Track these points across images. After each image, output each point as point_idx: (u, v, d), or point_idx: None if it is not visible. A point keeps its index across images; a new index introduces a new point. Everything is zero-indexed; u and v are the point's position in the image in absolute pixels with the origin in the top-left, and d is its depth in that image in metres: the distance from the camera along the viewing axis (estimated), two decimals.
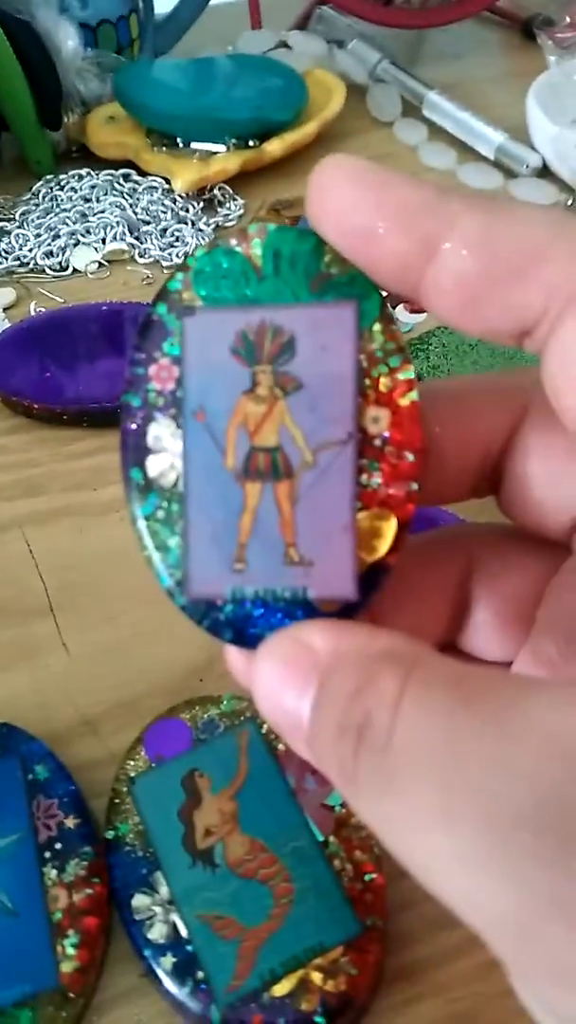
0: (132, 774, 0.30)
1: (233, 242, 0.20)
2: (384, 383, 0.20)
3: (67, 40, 0.58)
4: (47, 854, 0.28)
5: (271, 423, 0.20)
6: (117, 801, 0.30)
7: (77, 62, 0.60)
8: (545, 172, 0.60)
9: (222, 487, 0.20)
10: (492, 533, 0.23)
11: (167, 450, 0.20)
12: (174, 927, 0.27)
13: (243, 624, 0.20)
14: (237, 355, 0.20)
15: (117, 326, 0.47)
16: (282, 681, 0.18)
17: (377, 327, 0.20)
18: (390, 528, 0.20)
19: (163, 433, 0.20)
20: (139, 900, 0.27)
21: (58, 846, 0.28)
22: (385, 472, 0.20)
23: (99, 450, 0.43)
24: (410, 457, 0.20)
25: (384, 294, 0.19)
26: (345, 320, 0.20)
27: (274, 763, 0.30)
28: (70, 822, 0.29)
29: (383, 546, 0.20)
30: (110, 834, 0.29)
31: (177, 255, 0.53)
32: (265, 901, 0.27)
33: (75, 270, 0.52)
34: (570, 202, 0.57)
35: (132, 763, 0.31)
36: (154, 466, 0.20)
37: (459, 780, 0.14)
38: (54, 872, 0.28)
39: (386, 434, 0.20)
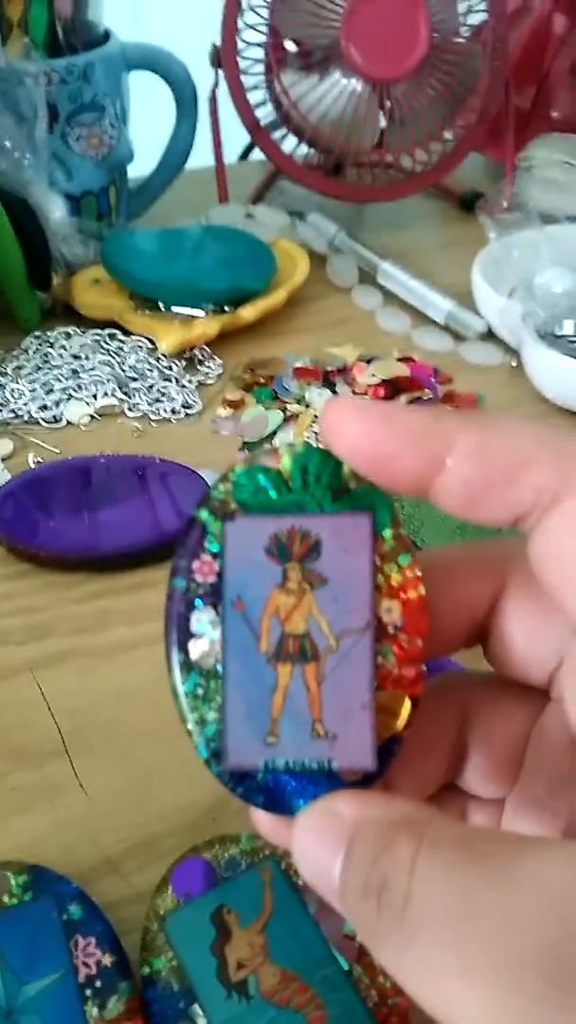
0: (162, 912, 0.32)
1: (266, 459, 0.24)
2: (395, 579, 0.23)
3: (55, 211, 0.63)
4: (88, 992, 0.30)
5: (300, 612, 0.23)
6: (149, 938, 0.32)
7: (64, 229, 0.64)
8: (489, 335, 0.66)
9: (256, 668, 0.23)
10: (483, 682, 0.26)
11: (207, 635, 0.23)
12: None
13: (274, 792, 0.22)
14: (270, 554, 0.23)
15: (114, 477, 0.51)
16: (317, 846, 0.20)
17: (388, 532, 0.23)
18: (404, 706, 0.23)
19: (204, 619, 0.23)
20: None
21: (98, 984, 0.30)
22: (397, 655, 0.23)
23: (103, 594, 0.46)
24: (419, 643, 0.23)
25: (393, 504, 0.23)
26: (362, 527, 0.23)
27: (296, 897, 0.32)
28: (107, 959, 0.31)
29: (398, 722, 0.23)
30: (145, 970, 0.31)
31: (164, 409, 0.57)
32: None
33: (69, 423, 0.56)
34: (514, 363, 0.63)
35: (161, 901, 0.32)
36: (195, 648, 0.23)
37: (472, 932, 0.16)
38: (95, 1010, 0.29)
39: (398, 622, 0.23)
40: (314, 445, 0.24)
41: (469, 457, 0.21)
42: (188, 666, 0.23)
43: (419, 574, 0.23)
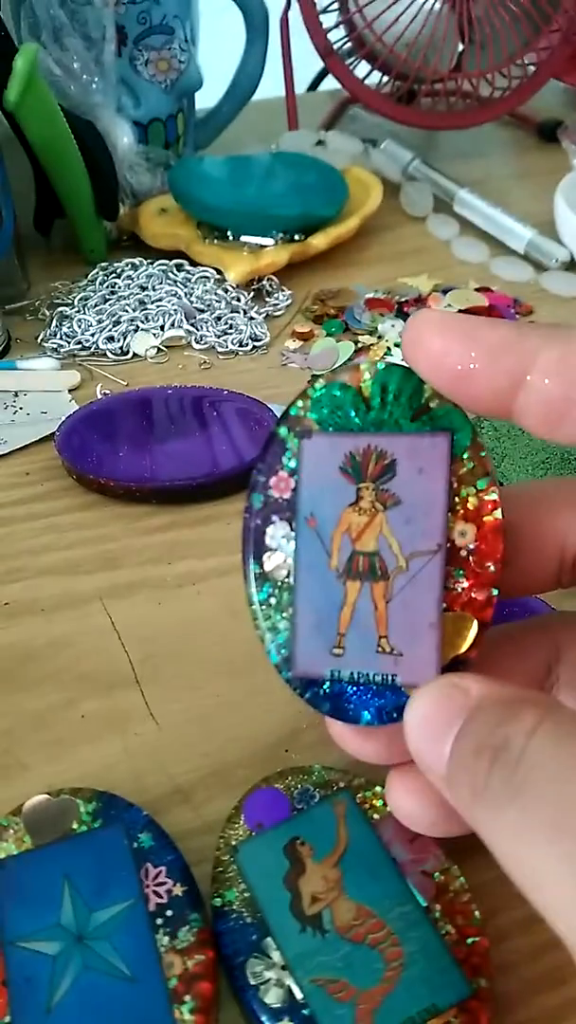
0: (234, 842, 0.31)
1: (346, 377, 0.24)
2: (472, 502, 0.23)
3: (123, 137, 0.62)
4: (159, 920, 0.29)
5: (371, 532, 0.23)
6: (221, 869, 0.31)
7: (131, 157, 0.63)
8: (572, 265, 0.63)
9: (326, 583, 0.24)
10: None
11: (281, 548, 0.24)
12: (289, 992, 0.28)
13: (339, 700, 0.24)
14: (345, 473, 0.23)
15: (182, 409, 0.49)
16: (436, 713, 0.21)
17: (467, 454, 0.23)
18: (471, 628, 0.23)
19: (279, 534, 0.24)
20: (253, 965, 0.28)
21: (169, 913, 0.29)
22: (469, 579, 0.23)
23: (171, 526, 0.45)
24: (491, 567, 0.23)
25: (475, 426, 0.23)
26: (440, 448, 0.23)
27: (372, 832, 0.31)
28: (178, 889, 0.30)
29: (464, 644, 0.23)
30: (217, 901, 0.30)
31: (232, 342, 0.55)
32: (376, 965, 0.28)
33: (135, 354, 0.55)
34: None
35: (233, 831, 0.32)
36: (270, 561, 0.24)
37: (572, 799, 0.17)
38: (167, 939, 0.29)
39: (471, 546, 0.23)
40: (397, 364, 0.23)
41: (551, 372, 0.20)
42: (263, 577, 0.24)
43: (497, 498, 0.22)
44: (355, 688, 0.23)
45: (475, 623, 0.23)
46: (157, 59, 0.65)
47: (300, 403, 0.24)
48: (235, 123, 0.76)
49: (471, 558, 0.23)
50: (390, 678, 0.23)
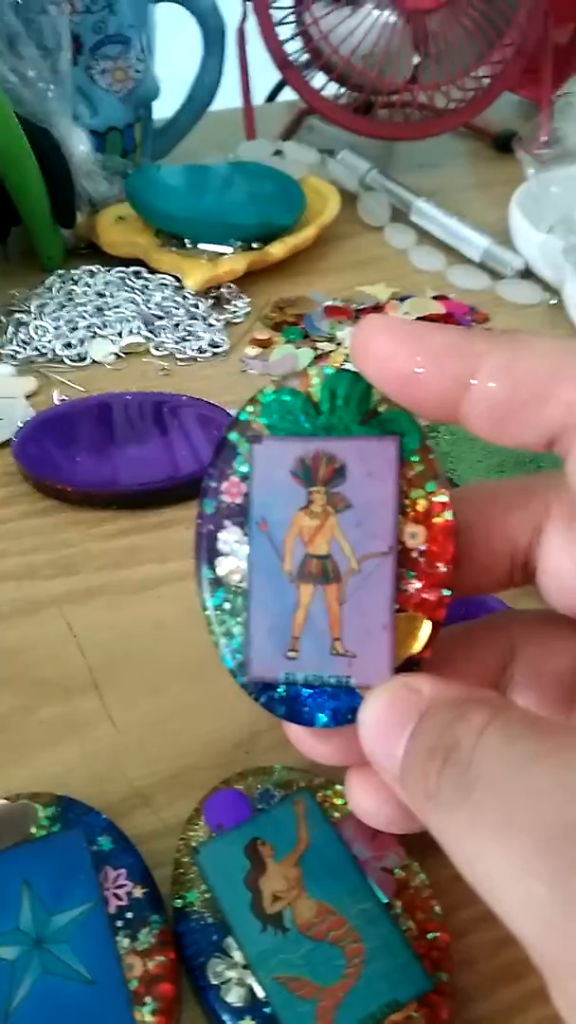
0: (194, 844, 0.31)
1: (296, 382, 0.24)
2: (422, 504, 0.23)
3: (79, 145, 0.62)
4: (119, 923, 0.29)
5: (323, 535, 0.24)
6: (181, 870, 0.31)
7: (88, 165, 0.63)
8: (527, 274, 0.64)
9: (280, 587, 0.24)
10: (533, 618, 0.26)
11: (234, 553, 0.24)
12: (251, 990, 0.28)
13: (295, 703, 0.24)
14: (296, 477, 0.24)
15: (141, 414, 0.49)
16: (389, 715, 0.21)
17: (416, 457, 0.23)
18: (423, 628, 0.23)
19: (231, 539, 0.24)
20: (215, 965, 0.28)
21: (129, 915, 0.29)
22: (420, 580, 0.23)
23: (130, 531, 0.44)
24: (442, 568, 0.23)
25: (423, 429, 0.23)
26: (389, 451, 0.23)
27: (332, 830, 0.31)
28: (138, 891, 0.30)
29: (417, 644, 0.23)
30: (178, 902, 0.30)
31: (191, 348, 0.55)
32: (337, 961, 0.28)
33: (93, 361, 0.54)
34: (554, 301, 0.61)
35: (193, 832, 0.32)
36: (223, 566, 0.24)
37: (521, 796, 0.17)
38: (127, 941, 0.29)
39: (422, 547, 0.23)
40: (345, 369, 0.24)
41: (496, 375, 0.20)
42: (216, 582, 0.24)
43: (446, 500, 0.23)
44: (310, 691, 0.24)
45: (427, 623, 0.23)
46: (113, 68, 0.65)
47: (250, 408, 0.24)
48: (193, 133, 0.76)
49: (422, 559, 0.23)
50: (344, 680, 0.23)
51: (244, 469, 0.24)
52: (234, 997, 0.28)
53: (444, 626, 0.23)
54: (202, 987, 0.28)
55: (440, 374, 0.21)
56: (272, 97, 0.93)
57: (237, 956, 0.28)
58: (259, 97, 0.89)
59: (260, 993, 0.27)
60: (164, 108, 0.75)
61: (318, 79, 0.75)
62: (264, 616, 0.24)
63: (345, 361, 0.54)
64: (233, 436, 0.24)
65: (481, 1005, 0.29)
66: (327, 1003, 0.27)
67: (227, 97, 0.78)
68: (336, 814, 0.32)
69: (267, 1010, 0.27)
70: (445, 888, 0.30)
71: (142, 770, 0.35)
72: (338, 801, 0.32)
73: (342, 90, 0.76)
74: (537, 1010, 0.28)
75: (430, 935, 0.29)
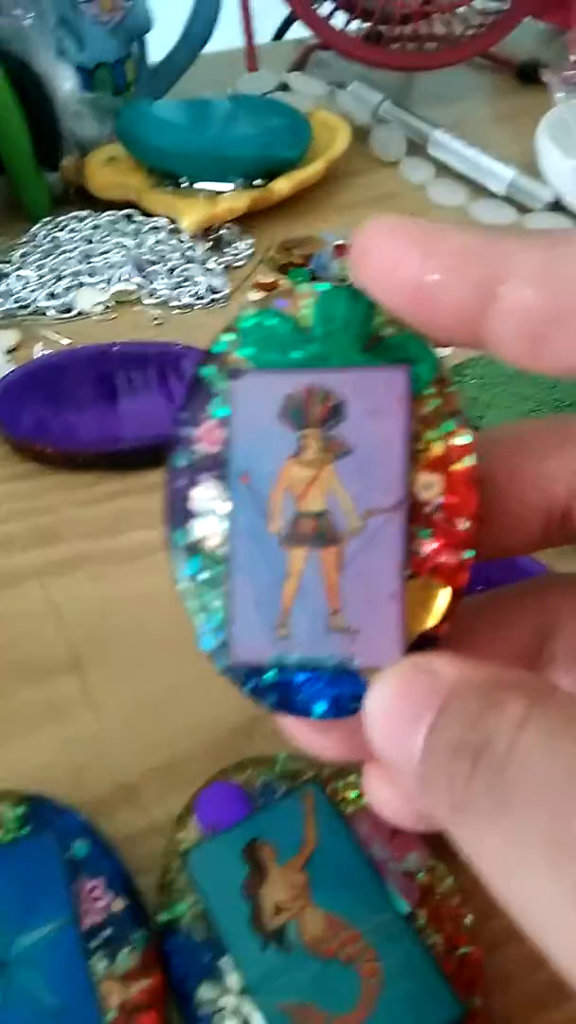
0: (184, 847, 0.27)
1: (282, 303, 0.20)
2: (437, 448, 0.19)
3: (64, 82, 0.57)
4: (94, 943, 0.25)
5: (318, 488, 0.20)
6: (169, 878, 0.27)
7: (74, 104, 0.58)
8: (556, 206, 0.59)
9: (267, 552, 0.20)
10: (573, 585, 0.22)
11: (212, 513, 0.20)
12: (248, 1021, 0.23)
13: (287, 690, 0.20)
14: (285, 418, 0.20)
15: (130, 366, 0.45)
16: (400, 703, 0.17)
17: (431, 390, 0.19)
18: (441, 597, 0.19)
19: (208, 496, 0.20)
20: (205, 991, 0.24)
21: (106, 933, 0.25)
22: (437, 540, 0.19)
23: (119, 494, 0.40)
24: (464, 524, 0.19)
25: (438, 356, 0.19)
26: (397, 383, 0.19)
27: (344, 828, 0.27)
28: (118, 905, 0.26)
29: (433, 617, 0.19)
30: (164, 917, 0.26)
31: (187, 295, 0.51)
32: (351, 984, 0.24)
33: (80, 312, 0.50)
34: None
35: (183, 834, 0.27)
36: (198, 529, 0.20)
37: (573, 812, 0.14)
38: (104, 963, 0.24)
39: (439, 500, 0.19)
40: (341, 286, 0.20)
41: (532, 279, 0.16)
42: (191, 548, 0.20)
43: (468, 442, 0.19)
44: (305, 675, 0.20)
45: (445, 591, 0.19)
46: None
47: (228, 337, 0.20)
48: (192, 73, 0.71)
49: (438, 515, 0.19)
50: (346, 661, 0.20)
51: (222, 411, 0.20)
52: None
53: (466, 594, 0.20)
54: (193, 1016, 0.24)
55: (460, 281, 0.17)
56: (279, 36, 0.88)
57: (233, 980, 0.24)
58: (264, 37, 0.84)
59: None
60: (161, 49, 0.70)
61: (324, 7, 0.70)
62: (249, 587, 0.20)
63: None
64: (207, 372, 0.20)
65: None
66: None
67: (228, 37, 0.73)
68: (349, 808, 0.28)
69: None
70: (477, 892, 0.25)
71: (127, 760, 0.31)
72: (351, 793, 0.28)
73: (350, 23, 0.70)
74: None
75: (460, 951, 0.25)
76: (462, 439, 0.19)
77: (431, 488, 0.20)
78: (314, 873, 0.26)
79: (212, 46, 0.71)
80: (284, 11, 0.79)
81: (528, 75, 0.79)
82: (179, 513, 0.20)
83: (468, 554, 0.19)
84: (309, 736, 0.21)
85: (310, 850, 0.26)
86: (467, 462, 0.19)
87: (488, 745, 0.15)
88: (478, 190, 0.61)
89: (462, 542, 0.19)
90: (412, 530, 0.19)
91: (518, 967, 0.25)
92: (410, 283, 0.17)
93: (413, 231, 0.17)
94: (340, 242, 0.55)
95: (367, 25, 0.71)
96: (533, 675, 0.17)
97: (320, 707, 0.20)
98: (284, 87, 0.68)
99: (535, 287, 0.16)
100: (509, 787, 0.14)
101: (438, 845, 0.26)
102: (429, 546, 0.19)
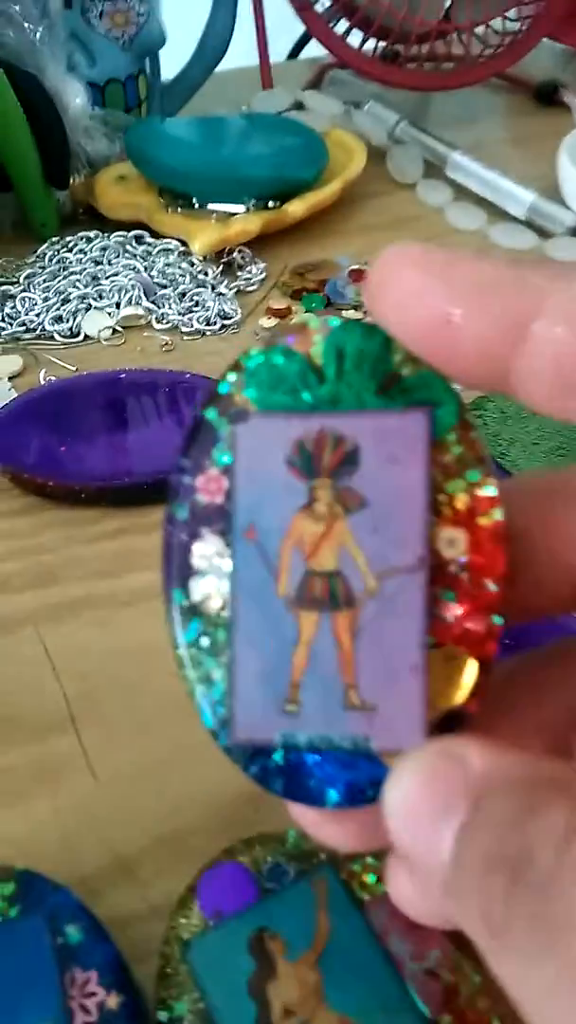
0: (185, 935, 0.25)
1: (291, 339, 0.19)
2: (461, 500, 0.18)
3: (75, 98, 0.56)
4: None
5: (330, 544, 0.19)
6: (169, 971, 0.24)
7: (84, 120, 0.57)
8: None
9: (273, 616, 0.19)
10: None
11: (214, 571, 0.19)
12: None
13: (296, 774, 0.18)
14: (293, 467, 0.19)
15: (138, 395, 0.43)
16: (425, 797, 0.15)
17: (453, 436, 0.18)
18: (468, 670, 0.18)
19: (210, 552, 0.19)
20: None
21: None
22: (462, 603, 0.18)
23: (122, 532, 0.38)
24: (492, 586, 0.18)
25: (461, 398, 0.18)
26: (416, 428, 0.18)
27: (360, 919, 0.25)
28: (112, 1001, 0.24)
29: (460, 692, 0.18)
30: (163, 1015, 0.24)
31: (198, 320, 0.49)
32: None
33: (87, 336, 0.48)
34: None
35: (184, 920, 0.25)
36: (199, 588, 0.19)
37: None
38: None
39: (463, 559, 0.18)
40: (356, 321, 0.19)
41: (564, 319, 0.15)
42: (190, 610, 0.19)
43: (495, 494, 0.18)
44: (317, 757, 0.18)
45: (473, 663, 0.18)
46: (112, 11, 0.59)
47: (232, 377, 0.19)
48: (206, 91, 0.70)
49: (464, 575, 0.18)
50: (362, 741, 0.18)
51: (226, 459, 0.19)
52: None
53: (496, 663, 0.18)
54: None
55: (486, 318, 0.16)
56: (295, 54, 0.87)
57: None
58: (279, 56, 0.83)
59: None
60: (175, 66, 0.69)
61: (340, 25, 0.68)
62: (253, 656, 0.18)
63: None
64: (211, 414, 0.19)
65: None
66: None
67: (243, 54, 0.72)
68: (366, 895, 0.25)
69: None
70: (506, 996, 0.23)
71: (125, 831, 0.29)
72: (369, 878, 0.26)
73: (367, 39, 0.69)
74: None
75: None
76: (488, 490, 0.18)
77: (455, 545, 0.18)
78: (327, 970, 0.24)
79: (226, 63, 0.70)
80: (300, 29, 0.78)
81: (546, 96, 0.79)
82: (178, 570, 0.19)
83: (497, 620, 0.18)
84: (321, 826, 0.19)
85: (322, 944, 0.24)
86: (494, 516, 0.18)
87: (527, 863, 0.13)
88: (497, 213, 0.60)
89: (490, 606, 0.18)
90: (435, 592, 0.18)
91: None
92: (431, 319, 0.16)
93: (435, 261, 0.16)
94: (356, 267, 0.53)
95: (383, 44, 0.69)
96: (571, 768, 0.15)
97: (334, 795, 0.18)
98: (299, 106, 0.67)
99: (569, 326, 0.15)
100: (556, 917, 0.13)
101: (464, 939, 0.24)
102: (454, 611, 0.18)
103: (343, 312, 0.50)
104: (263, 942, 0.24)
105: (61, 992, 0.24)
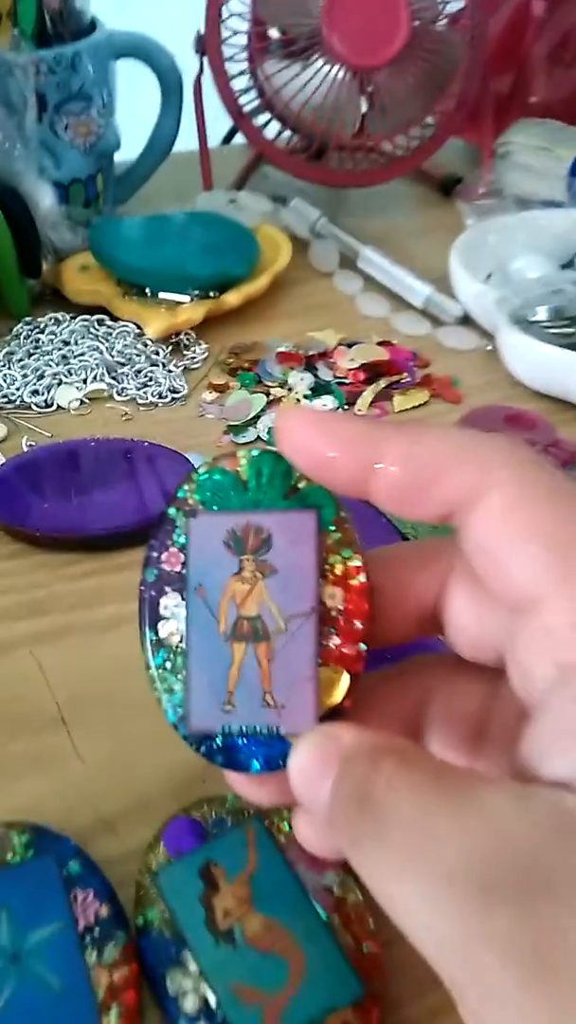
0: (154, 867, 0.35)
1: (225, 463, 0.26)
2: (339, 568, 0.26)
3: (45, 198, 0.65)
4: (87, 939, 0.32)
5: (253, 598, 0.26)
6: (142, 892, 0.34)
7: (53, 217, 0.66)
8: (466, 320, 0.67)
9: (216, 646, 0.26)
10: (444, 662, 0.28)
11: (174, 617, 0.26)
12: (205, 999, 0.31)
13: (231, 752, 0.26)
14: (228, 547, 0.26)
15: (104, 460, 0.53)
16: (313, 763, 0.23)
17: (333, 527, 0.26)
18: (344, 680, 0.25)
19: (171, 603, 0.26)
20: (173, 976, 0.32)
21: (96, 932, 0.33)
22: (340, 636, 0.25)
23: (96, 572, 0.47)
24: (359, 625, 0.25)
25: (339, 501, 0.26)
26: (309, 522, 0.26)
27: (279, 854, 0.35)
28: (104, 911, 0.33)
29: (338, 694, 0.25)
30: (140, 920, 0.33)
31: (152, 394, 0.58)
32: (282, 971, 0.31)
33: (59, 407, 0.58)
34: (489, 347, 0.65)
35: (152, 858, 0.35)
36: (164, 629, 0.26)
37: (426, 838, 0.19)
38: (94, 955, 0.32)
39: (340, 607, 0.26)
40: (269, 450, 0.26)
41: (397, 460, 0.23)
42: (158, 643, 0.26)
43: (360, 564, 0.26)
44: (245, 740, 0.26)
45: (346, 675, 0.25)
46: (76, 124, 0.68)
47: (186, 487, 0.26)
48: (152, 178, 0.79)
49: (340, 618, 0.25)
50: (275, 729, 0.25)
51: (182, 540, 0.26)
52: (190, 1005, 0.31)
53: (364, 675, 0.26)
54: (162, 996, 0.32)
55: (350, 458, 0.23)
56: (228, 139, 0.97)
57: (193, 967, 0.32)
58: (216, 137, 0.92)
59: (213, 1001, 0.31)
60: (126, 150, 0.78)
61: (272, 128, 0.79)
62: (202, 673, 0.26)
63: (299, 400, 0.57)
64: (172, 511, 0.26)
65: (410, 1009, 0.32)
66: (272, 1009, 0.31)
67: (185, 139, 0.81)
68: (282, 838, 0.35)
69: (219, 1016, 0.31)
70: (377, 903, 0.33)
71: (108, 799, 0.38)
72: (284, 827, 0.35)
73: (294, 137, 0.80)
74: (457, 1014, 0.32)
75: (364, 947, 0.33)
76: (356, 562, 0.25)
77: (335, 598, 0.25)
78: (255, 887, 0.34)
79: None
80: None
81: (449, 188, 0.87)
82: (149, 616, 0.26)
83: (363, 647, 0.25)
84: (248, 787, 0.27)
85: (251, 870, 0.34)
86: (361, 578, 0.25)
87: (369, 795, 0.20)
88: (400, 303, 0.69)
89: (358, 637, 0.25)
90: (322, 629, 0.25)
91: (409, 961, 0.33)
92: (315, 457, 0.24)
93: (317, 421, 0.24)
94: (282, 349, 0.63)
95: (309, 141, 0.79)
96: (406, 742, 0.22)
97: (256, 765, 0.25)
98: (234, 201, 0.77)
99: (399, 466, 0.23)
100: (383, 827, 0.19)
101: (349, 867, 0.34)
102: (334, 641, 0.25)
103: (270, 388, 0.59)
104: (209, 869, 0.34)
105: (69, 904, 0.33)
